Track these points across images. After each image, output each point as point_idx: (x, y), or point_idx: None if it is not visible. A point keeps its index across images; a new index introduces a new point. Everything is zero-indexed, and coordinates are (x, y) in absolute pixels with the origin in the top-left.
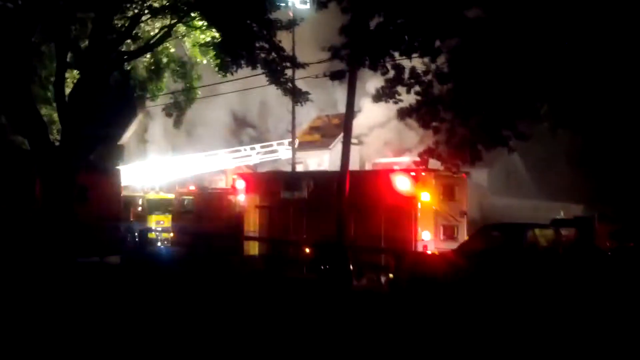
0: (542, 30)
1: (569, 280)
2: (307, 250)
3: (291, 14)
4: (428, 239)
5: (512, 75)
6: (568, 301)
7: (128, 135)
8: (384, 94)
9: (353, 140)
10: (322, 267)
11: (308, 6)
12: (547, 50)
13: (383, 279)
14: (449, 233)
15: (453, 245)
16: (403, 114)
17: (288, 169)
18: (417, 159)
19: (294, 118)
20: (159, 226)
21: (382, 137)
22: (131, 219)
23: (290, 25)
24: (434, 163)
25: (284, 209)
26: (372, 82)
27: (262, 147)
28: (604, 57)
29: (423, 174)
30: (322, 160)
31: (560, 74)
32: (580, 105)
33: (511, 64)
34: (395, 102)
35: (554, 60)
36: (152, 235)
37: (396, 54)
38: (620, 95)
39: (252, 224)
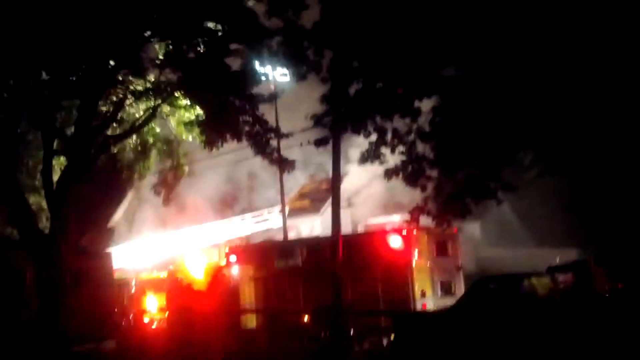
0: (520, 81)
1: (567, 327)
2: (306, 318)
3: (273, 87)
4: (426, 297)
5: (493, 127)
6: (568, 349)
7: (118, 217)
8: (369, 156)
9: (343, 203)
10: (322, 335)
11: (287, 78)
12: (526, 100)
13: (385, 341)
14: (447, 289)
15: (451, 301)
16: (389, 174)
17: (280, 237)
18: (408, 216)
19: (282, 186)
20: (153, 307)
21: (371, 198)
22: (124, 302)
23: (272, 98)
24: (425, 220)
25: (278, 278)
26: (358, 144)
27: (252, 216)
28: (586, 103)
29: (415, 232)
30: (313, 225)
31: (542, 122)
32: (565, 151)
33: (491, 116)
34: (381, 163)
35: (535, 110)
36: (146, 316)
37: (377, 117)
38: (605, 138)
39: (248, 296)
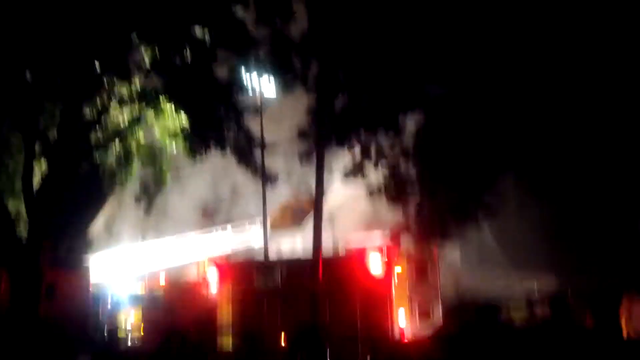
0: (503, 103)
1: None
2: (283, 340)
3: (258, 98)
4: (404, 323)
5: (475, 149)
6: None
7: (97, 225)
8: (353, 171)
9: (325, 218)
10: (299, 358)
11: (274, 90)
12: (510, 123)
13: None
14: (425, 313)
15: (429, 325)
16: (372, 191)
17: (261, 254)
18: (389, 235)
19: (264, 199)
20: (129, 320)
21: (353, 213)
22: (100, 316)
23: (257, 108)
24: (406, 241)
25: (257, 298)
26: (342, 160)
27: (233, 227)
28: (568, 129)
29: (395, 254)
30: (294, 240)
31: (524, 146)
32: (545, 176)
33: (474, 138)
34: (364, 178)
35: (518, 133)
36: (121, 332)
37: (362, 131)
38: (584, 164)
39: (226, 316)
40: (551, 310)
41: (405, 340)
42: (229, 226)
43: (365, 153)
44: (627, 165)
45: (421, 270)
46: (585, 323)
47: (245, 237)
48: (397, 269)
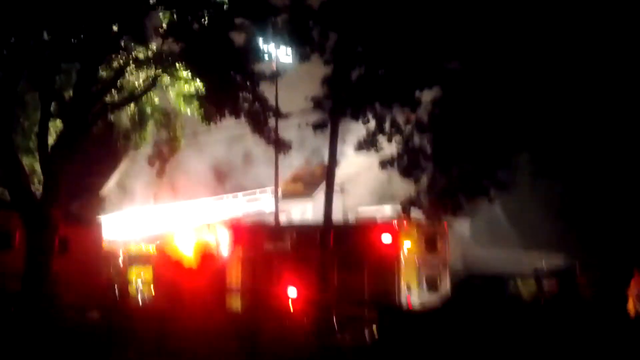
0: (521, 80)
1: (550, 332)
2: (291, 303)
3: (274, 67)
4: (411, 291)
5: (491, 126)
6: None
7: (110, 186)
8: (366, 144)
9: (336, 189)
10: (306, 321)
11: (290, 58)
12: (527, 101)
13: (367, 332)
14: (432, 284)
15: (436, 296)
16: (384, 164)
17: (272, 219)
18: (400, 207)
19: (277, 168)
20: (140, 279)
21: (364, 186)
22: (111, 273)
23: (274, 77)
24: (416, 214)
25: (267, 261)
26: (356, 130)
27: (244, 194)
28: (583, 107)
29: (405, 226)
30: (305, 209)
31: (539, 125)
32: (559, 155)
33: (490, 115)
34: (377, 151)
35: (534, 111)
36: (132, 288)
37: (377, 104)
38: (599, 144)
39: (235, 276)
40: (559, 285)
41: (412, 308)
42: (240, 194)
43: (379, 126)
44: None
45: (431, 243)
46: (592, 298)
47: (257, 204)
48: (406, 241)
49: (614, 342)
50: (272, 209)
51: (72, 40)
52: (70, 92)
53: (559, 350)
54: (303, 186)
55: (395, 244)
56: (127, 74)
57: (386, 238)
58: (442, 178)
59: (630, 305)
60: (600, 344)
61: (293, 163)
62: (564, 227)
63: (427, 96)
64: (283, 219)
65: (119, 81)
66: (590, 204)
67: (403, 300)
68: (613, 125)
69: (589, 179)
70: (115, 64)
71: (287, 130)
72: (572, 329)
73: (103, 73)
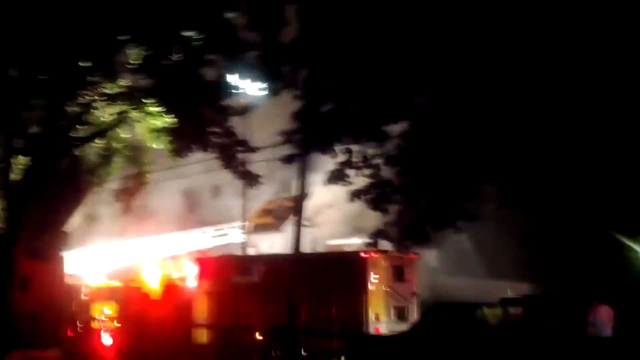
0: (488, 116)
1: (515, 353)
2: (259, 336)
3: (243, 101)
4: (380, 321)
5: (458, 159)
6: None
7: (75, 222)
8: (335, 177)
9: (304, 223)
10: (274, 354)
11: (262, 92)
12: (492, 134)
13: None
14: (401, 314)
15: (404, 326)
16: (353, 196)
17: (240, 252)
18: (368, 240)
19: (245, 201)
20: (104, 314)
21: (333, 219)
22: (73, 309)
23: (243, 111)
24: (385, 245)
25: (234, 294)
26: (326, 163)
27: (213, 230)
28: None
29: (373, 255)
30: (273, 242)
31: (504, 157)
32: (524, 187)
33: (457, 148)
34: (346, 185)
35: (500, 143)
36: (96, 325)
37: (346, 138)
38: (564, 176)
39: (202, 310)
40: (524, 311)
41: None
42: (208, 228)
43: (348, 159)
44: (602, 177)
45: (399, 273)
46: (555, 324)
47: (225, 238)
48: (374, 270)
49: None
50: (241, 241)
51: (40, 76)
52: (35, 128)
53: None
54: (272, 219)
55: (363, 274)
56: (94, 109)
57: (354, 268)
58: (410, 210)
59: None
60: None
61: (262, 196)
62: (530, 256)
63: (395, 130)
64: (252, 252)
65: (86, 116)
66: (554, 234)
67: (371, 330)
68: (573, 157)
69: (552, 209)
70: (82, 99)
71: (257, 162)
72: (536, 353)
73: (70, 108)
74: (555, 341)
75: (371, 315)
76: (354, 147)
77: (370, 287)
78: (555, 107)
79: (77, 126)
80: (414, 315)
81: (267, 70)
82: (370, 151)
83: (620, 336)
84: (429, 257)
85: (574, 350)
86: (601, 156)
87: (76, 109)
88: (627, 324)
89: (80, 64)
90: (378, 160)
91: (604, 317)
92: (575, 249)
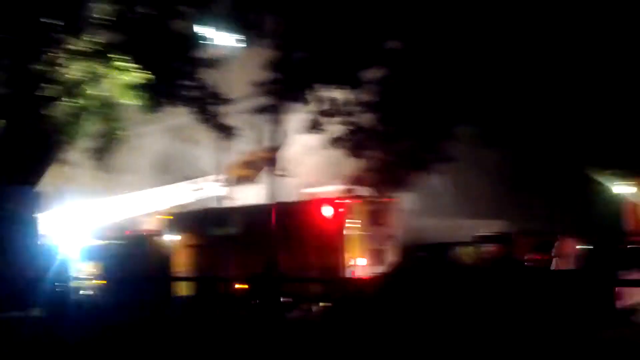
0: (461, 55)
1: (491, 292)
2: (237, 286)
3: (214, 52)
4: (356, 265)
5: (432, 100)
6: (491, 312)
7: (47, 182)
8: (310, 126)
9: (282, 173)
10: (253, 302)
11: (232, 43)
12: (466, 72)
13: (314, 308)
14: (377, 257)
15: (381, 269)
16: (330, 144)
17: (216, 205)
18: (345, 186)
19: (220, 154)
20: (84, 273)
21: (311, 168)
22: (54, 268)
23: (214, 63)
24: (362, 190)
25: (213, 246)
26: (301, 112)
27: (188, 184)
28: (526, 75)
29: (348, 201)
30: (250, 194)
31: (478, 96)
32: (498, 126)
33: (431, 89)
34: (321, 133)
35: (474, 83)
36: (78, 284)
37: (319, 86)
38: (540, 111)
39: (182, 263)
40: (497, 249)
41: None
42: (183, 183)
43: (322, 107)
44: (573, 113)
45: (376, 217)
46: (526, 259)
47: (201, 191)
48: (350, 215)
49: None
50: (217, 195)
51: (1, 34)
52: (2, 88)
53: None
54: (248, 171)
55: (339, 219)
56: (60, 67)
57: (329, 213)
58: (386, 153)
59: (554, 265)
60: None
61: (238, 149)
62: (505, 196)
63: (369, 75)
64: (229, 204)
65: (51, 74)
66: (526, 172)
67: (348, 271)
68: (551, 96)
69: (528, 147)
70: (47, 57)
71: (231, 115)
72: (506, 286)
73: (35, 67)
74: (523, 276)
75: (347, 259)
76: (328, 95)
77: (346, 232)
78: (528, 44)
79: (43, 85)
80: (391, 257)
81: (237, 20)
82: (344, 98)
83: (582, 268)
84: (405, 200)
85: (538, 285)
86: (574, 92)
87: (41, 67)
88: (592, 256)
89: (43, 20)
90: (353, 107)
91: (567, 250)
92: (547, 186)
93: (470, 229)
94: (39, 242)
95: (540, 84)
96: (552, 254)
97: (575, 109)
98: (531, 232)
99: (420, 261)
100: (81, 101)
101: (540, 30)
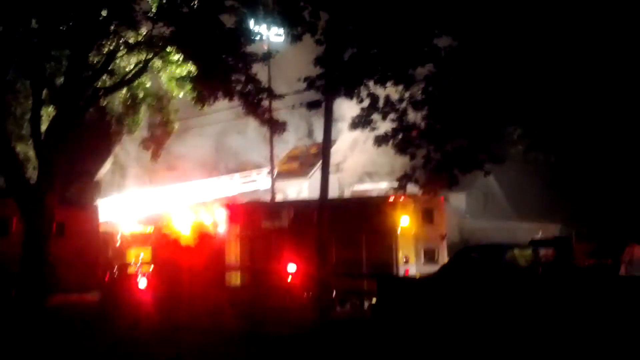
0: (514, 56)
1: (548, 298)
2: (289, 278)
3: (265, 47)
4: (409, 263)
5: (484, 100)
6: (547, 319)
7: (105, 170)
8: (360, 122)
9: (331, 168)
10: (305, 295)
11: (282, 39)
12: (519, 75)
13: (366, 304)
14: (430, 256)
15: (434, 268)
16: (379, 141)
17: (267, 198)
18: (395, 184)
19: (272, 148)
20: (139, 260)
21: (359, 164)
22: (109, 254)
23: (265, 58)
24: (413, 188)
25: (265, 238)
26: (350, 109)
27: (240, 176)
28: (576, 80)
29: (402, 199)
30: (300, 189)
31: (531, 99)
32: (552, 128)
33: (484, 89)
34: (372, 130)
35: (527, 85)
36: (131, 269)
37: (371, 83)
38: (592, 116)
39: (234, 254)
40: (555, 253)
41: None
42: (236, 175)
43: (373, 104)
44: (629, 116)
45: (427, 216)
46: (587, 265)
47: (253, 184)
48: (403, 213)
49: (609, 305)
50: (268, 188)
51: (61, 26)
52: (62, 79)
53: (553, 312)
54: (299, 166)
55: (392, 218)
56: (118, 59)
57: (383, 212)
58: (437, 153)
59: (623, 271)
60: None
61: (288, 143)
62: (558, 198)
63: (421, 73)
64: (279, 198)
65: (110, 66)
66: (583, 175)
67: (401, 272)
68: (604, 98)
69: (582, 150)
70: (105, 49)
71: (281, 111)
72: (568, 294)
73: (94, 58)
74: (587, 282)
75: (401, 258)
76: (379, 92)
77: (398, 230)
78: (581, 49)
79: (102, 76)
80: (443, 257)
81: (287, 15)
82: (395, 95)
83: None
84: (457, 200)
85: (606, 290)
86: (629, 96)
87: (100, 58)
88: None
89: (100, 13)
90: (404, 105)
91: (638, 257)
92: (603, 190)
93: (522, 232)
94: (98, 228)
95: (598, 84)
96: (623, 260)
97: (632, 114)
98: (589, 236)
99: (474, 263)
100: (138, 93)
101: (602, 34)
